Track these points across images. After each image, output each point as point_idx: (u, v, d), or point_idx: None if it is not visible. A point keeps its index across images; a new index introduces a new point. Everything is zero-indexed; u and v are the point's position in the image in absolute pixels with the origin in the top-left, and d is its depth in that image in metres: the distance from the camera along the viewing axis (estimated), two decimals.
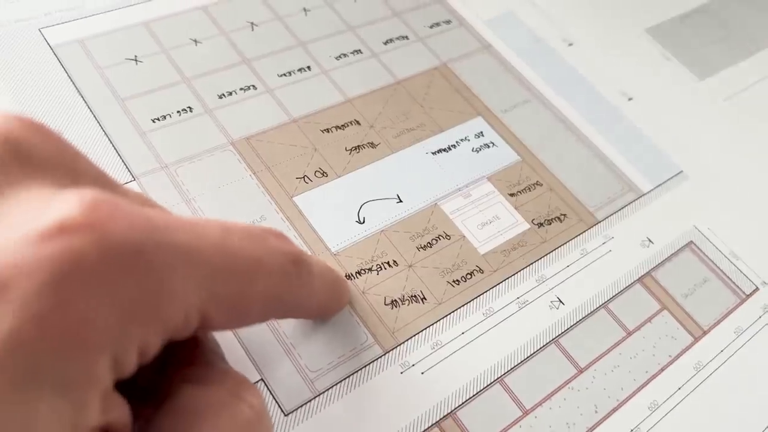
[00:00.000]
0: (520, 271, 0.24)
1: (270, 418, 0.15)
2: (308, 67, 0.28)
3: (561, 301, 0.23)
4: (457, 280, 0.23)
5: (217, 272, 0.13)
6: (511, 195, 0.26)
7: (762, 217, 0.27)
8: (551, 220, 0.25)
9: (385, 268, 0.23)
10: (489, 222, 0.25)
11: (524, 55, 0.31)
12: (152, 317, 0.12)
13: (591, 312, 0.23)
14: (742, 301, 0.25)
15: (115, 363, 0.11)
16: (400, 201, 0.25)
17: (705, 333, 0.24)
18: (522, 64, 0.30)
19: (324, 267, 0.19)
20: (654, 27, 0.35)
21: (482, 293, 0.23)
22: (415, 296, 0.22)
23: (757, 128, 0.31)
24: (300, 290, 0.16)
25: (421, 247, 0.24)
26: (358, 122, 0.26)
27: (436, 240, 0.24)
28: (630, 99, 0.30)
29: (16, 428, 0.09)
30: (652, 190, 0.27)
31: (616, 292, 0.24)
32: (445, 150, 0.27)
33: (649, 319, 0.24)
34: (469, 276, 0.23)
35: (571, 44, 0.32)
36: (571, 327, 0.23)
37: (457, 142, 0.27)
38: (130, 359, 0.12)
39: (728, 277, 0.25)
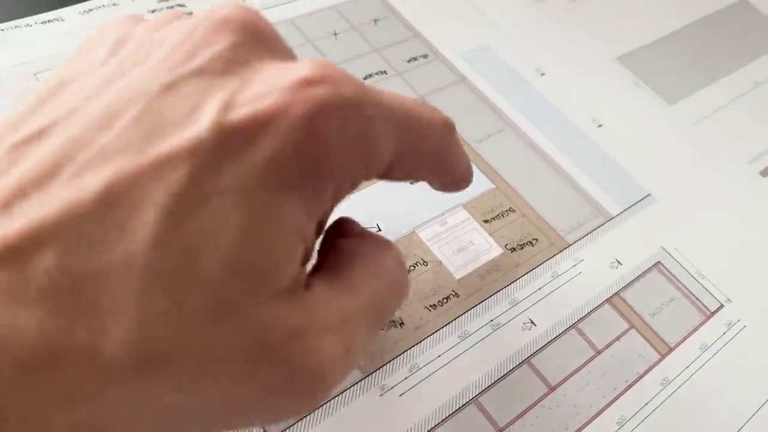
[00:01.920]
0: (493, 294, 0.25)
1: (408, 276, 0.18)
2: None
3: (533, 323, 0.24)
4: (434, 305, 0.24)
5: (405, 127, 0.16)
6: (486, 221, 0.27)
7: (727, 236, 0.29)
8: (524, 244, 0.27)
9: None
10: (464, 248, 0.26)
11: (498, 85, 0.32)
12: (366, 154, 0.15)
13: (562, 332, 0.24)
14: (707, 318, 0.26)
15: (336, 190, 0.15)
16: (380, 230, 0.26)
17: (671, 350, 0.25)
18: (496, 95, 0.32)
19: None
20: (625, 55, 0.36)
21: (458, 317, 0.24)
22: (393, 322, 0.24)
23: (723, 151, 0.32)
24: (454, 153, 0.19)
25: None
26: None
27: (414, 266, 0.25)
28: (600, 126, 0.32)
29: (267, 220, 0.13)
30: (620, 213, 0.28)
31: (586, 313, 0.25)
32: None
33: (618, 338, 0.25)
34: (445, 300, 0.24)
35: (543, 74, 0.34)
36: (543, 347, 0.24)
37: None
38: (345, 189, 0.15)
39: (694, 295, 0.26)
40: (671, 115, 0.34)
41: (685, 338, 0.25)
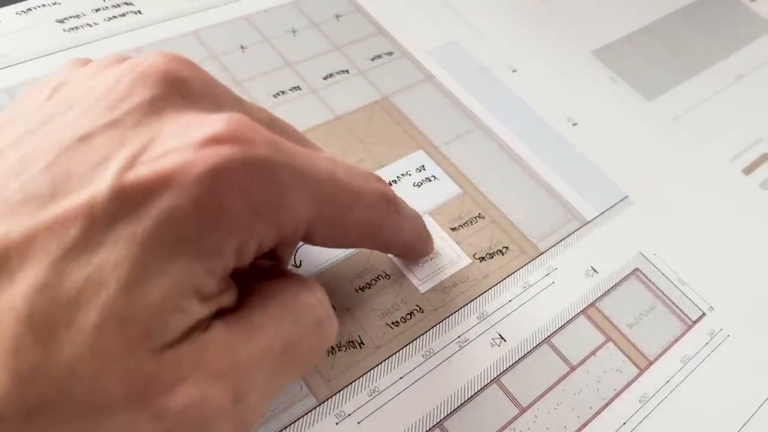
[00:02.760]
0: (461, 308, 0.23)
1: (333, 314, 0.18)
2: None
3: (503, 338, 0.23)
4: (396, 322, 0.23)
5: (325, 196, 0.16)
6: (453, 229, 0.25)
7: (709, 240, 0.27)
8: (493, 253, 0.25)
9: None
10: (429, 259, 0.24)
11: (467, 84, 0.31)
12: (273, 219, 0.15)
13: (533, 348, 0.23)
14: (689, 328, 0.24)
15: (239, 249, 0.14)
16: None
17: (651, 363, 0.23)
18: (465, 94, 0.30)
19: (412, 214, 0.21)
20: (600, 49, 0.35)
21: (422, 334, 0.22)
22: (352, 341, 0.22)
23: (704, 149, 0.31)
24: (390, 225, 0.19)
25: (360, 289, 0.23)
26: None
27: (376, 280, 0.23)
28: (575, 124, 0.30)
29: (155, 272, 0.13)
30: (596, 217, 0.27)
31: (560, 326, 0.24)
32: None
33: (594, 352, 0.23)
34: (408, 316, 0.23)
35: (515, 71, 0.32)
36: (513, 365, 0.22)
37: (398, 177, 0.27)
38: (250, 249, 0.15)
39: (675, 303, 0.25)
40: (649, 111, 0.32)
41: (665, 350, 0.24)
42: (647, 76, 0.34)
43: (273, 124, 0.19)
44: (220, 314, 0.15)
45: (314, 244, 0.17)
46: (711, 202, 0.29)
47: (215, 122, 0.14)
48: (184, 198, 0.13)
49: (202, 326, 0.14)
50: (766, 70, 0.36)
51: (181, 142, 0.14)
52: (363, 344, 0.22)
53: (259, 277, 0.17)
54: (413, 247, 0.22)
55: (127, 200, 0.13)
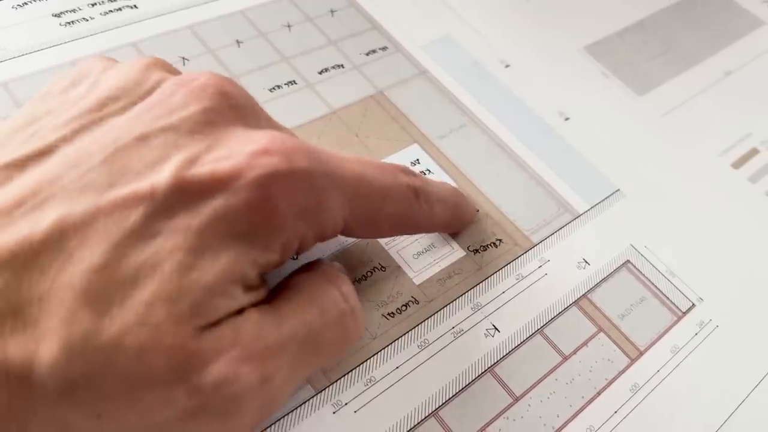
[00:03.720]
0: (455, 300, 0.24)
1: (358, 309, 0.19)
2: None
3: (496, 329, 0.23)
4: (392, 313, 0.23)
5: (357, 195, 0.18)
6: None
7: (698, 232, 0.28)
8: (487, 246, 0.25)
9: None
10: (424, 251, 0.25)
11: (461, 78, 0.31)
12: (314, 219, 0.16)
13: (526, 338, 0.23)
14: (679, 319, 0.25)
15: (284, 245, 0.16)
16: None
17: (641, 354, 0.24)
18: (458, 88, 0.31)
19: (446, 193, 0.23)
20: (592, 44, 0.35)
21: (417, 324, 0.23)
22: None
23: (693, 143, 0.31)
24: (420, 214, 0.21)
25: (356, 281, 0.23)
26: None
27: (371, 272, 0.24)
28: (567, 119, 0.31)
29: (208, 259, 0.14)
30: (588, 210, 0.27)
31: (552, 317, 0.24)
32: None
33: (585, 343, 0.24)
34: (404, 308, 0.23)
35: (508, 66, 0.32)
36: (507, 355, 0.23)
37: None
38: (293, 245, 0.16)
39: (665, 295, 0.25)
40: (640, 106, 0.32)
41: (655, 341, 0.24)
42: (638, 71, 0.34)
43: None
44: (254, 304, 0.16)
45: (351, 236, 0.20)
46: (700, 196, 0.29)
47: (262, 137, 0.16)
48: (239, 198, 0.14)
49: (239, 311, 0.15)
50: (754, 66, 0.36)
51: (236, 150, 0.15)
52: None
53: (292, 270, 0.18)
54: (448, 225, 0.24)
55: (185, 194, 0.14)
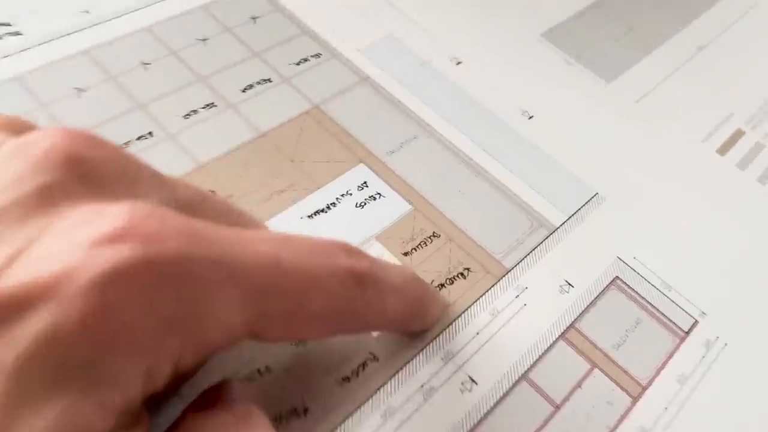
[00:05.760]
0: (422, 350, 0.20)
1: None
2: (150, 133, 0.23)
3: (473, 381, 0.19)
4: (347, 377, 0.19)
5: (267, 288, 0.13)
6: (405, 254, 0.22)
7: (691, 234, 0.24)
8: (453, 278, 0.22)
9: (256, 377, 0.18)
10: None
11: (408, 83, 0.27)
12: (191, 331, 0.12)
13: (510, 388, 0.19)
14: (682, 340, 0.21)
15: (148, 373, 0.12)
16: None
17: (644, 389, 0.20)
18: (406, 94, 0.27)
19: (403, 281, 0.17)
20: (549, 30, 0.31)
21: (378, 388, 0.19)
22: (295, 410, 0.18)
23: (671, 131, 0.28)
24: (365, 307, 0.16)
25: (301, 341, 0.19)
26: (213, 192, 0.22)
27: None
28: (531, 117, 0.27)
29: (30, 412, 0.10)
30: (565, 221, 0.24)
31: (537, 357, 0.20)
32: (323, 210, 0.23)
33: (579, 384, 0.20)
34: (361, 368, 0.19)
35: (460, 63, 0.29)
36: (489, 412, 0.19)
37: (337, 198, 0.23)
38: (162, 371, 0.12)
39: (662, 313, 0.22)
40: (610, 94, 0.29)
41: (658, 371, 0.21)
42: (603, 55, 0.31)
43: (203, 203, 0.16)
44: None
45: (269, 342, 0.15)
46: (688, 191, 0.26)
47: (115, 214, 0.12)
48: (69, 313, 0.10)
49: None
50: (727, 38, 0.33)
51: (70, 241, 0.11)
52: (308, 411, 0.18)
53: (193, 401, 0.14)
54: (406, 322, 0.19)
55: None
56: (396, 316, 0.18)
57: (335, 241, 0.15)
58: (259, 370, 0.19)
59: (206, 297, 0.12)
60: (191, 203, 0.15)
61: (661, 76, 0.30)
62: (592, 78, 0.29)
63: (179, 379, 0.16)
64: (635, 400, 0.20)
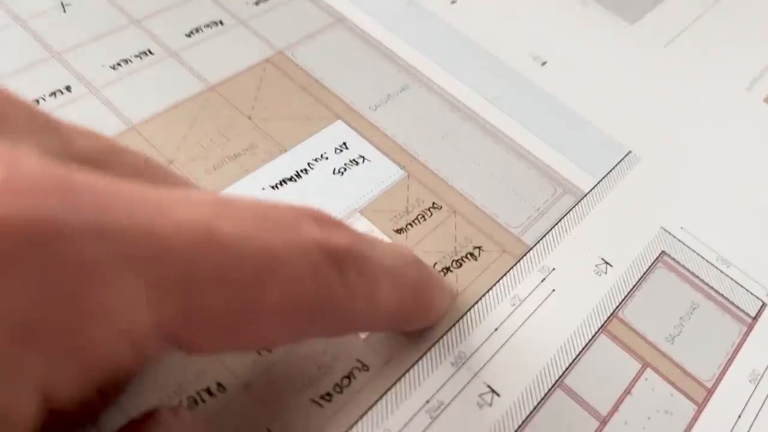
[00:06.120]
0: (426, 353, 0.15)
1: None
2: (67, 88, 0.18)
3: (494, 392, 0.15)
4: (328, 394, 0.14)
5: (190, 276, 0.09)
6: (398, 231, 0.17)
7: (746, 199, 0.20)
8: (461, 259, 0.17)
9: (205, 399, 0.14)
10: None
11: (393, 24, 0.22)
12: (64, 345, 0.08)
13: (541, 399, 0.15)
14: (750, 328, 0.17)
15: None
16: None
17: (710, 393, 0.16)
18: (392, 37, 0.22)
19: (401, 263, 0.13)
20: None
21: (370, 407, 0.14)
22: None
23: (711, 78, 0.23)
24: (346, 301, 0.11)
25: (267, 350, 0.15)
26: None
27: None
28: (543, 63, 0.22)
29: None
30: (595, 185, 0.19)
31: (573, 358, 0.16)
32: (291, 179, 0.18)
33: (629, 390, 0.15)
34: (346, 381, 0.14)
35: (454, 1, 0.24)
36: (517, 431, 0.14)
37: (309, 164, 0.18)
38: (25, 404, 0.08)
39: (723, 295, 0.18)
40: (634, 37, 0.24)
41: (725, 368, 0.16)
42: None
43: (111, 157, 0.11)
44: None
45: (202, 354, 0.11)
46: (736, 146, 0.21)
47: None
48: None
49: None
50: None
51: None
52: None
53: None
54: (405, 319, 0.14)
55: None
56: (390, 310, 0.13)
57: (299, 206, 0.11)
58: (209, 390, 0.14)
59: (89, 287, 0.08)
60: (94, 158, 0.11)
61: (692, 15, 0.25)
62: (611, 19, 0.25)
63: (78, 415, 0.12)
64: (701, 407, 0.15)
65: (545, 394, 0.15)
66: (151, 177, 0.12)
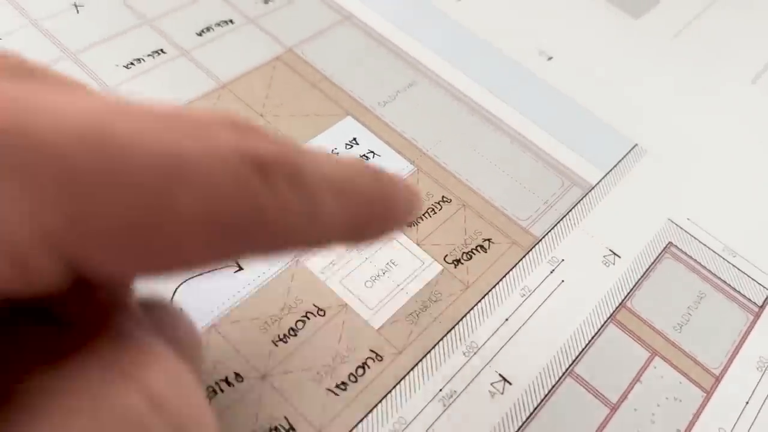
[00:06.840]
0: (437, 343, 0.15)
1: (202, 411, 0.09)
2: None
3: (506, 380, 0.15)
4: (343, 383, 0.15)
5: (78, 176, 0.08)
6: (409, 225, 0.17)
7: (752, 190, 0.20)
8: (471, 251, 0.17)
9: (224, 389, 0.14)
10: (382, 273, 0.16)
11: (401, 20, 0.23)
12: None
13: (552, 387, 0.15)
14: (756, 317, 0.17)
15: None
16: (240, 269, 0.16)
17: (718, 380, 0.16)
18: (399, 34, 0.22)
19: (350, 170, 0.11)
20: None
21: (384, 396, 0.14)
22: (275, 428, 0.14)
23: (717, 71, 0.24)
24: (277, 214, 0.09)
25: (280, 339, 0.15)
26: None
27: (303, 321, 0.15)
28: (550, 58, 0.23)
29: None
30: (602, 178, 0.19)
31: (584, 346, 0.16)
32: None
33: (638, 378, 0.16)
34: (360, 371, 0.15)
35: None
36: (528, 420, 0.15)
37: None
38: None
39: (729, 285, 0.18)
40: (640, 31, 0.25)
41: (732, 356, 0.17)
42: None
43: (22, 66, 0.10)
44: None
45: (99, 277, 0.09)
46: (742, 139, 0.22)
47: None
48: None
49: None
50: None
51: None
52: (293, 430, 0.14)
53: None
54: (355, 231, 0.12)
55: None
56: (339, 226, 0.11)
57: (217, 111, 0.09)
58: (227, 379, 0.14)
59: None
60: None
61: (698, 8, 0.26)
62: (617, 14, 0.25)
63: None
64: (709, 394, 0.16)
65: (556, 383, 0.15)
66: (30, 77, 0.10)
